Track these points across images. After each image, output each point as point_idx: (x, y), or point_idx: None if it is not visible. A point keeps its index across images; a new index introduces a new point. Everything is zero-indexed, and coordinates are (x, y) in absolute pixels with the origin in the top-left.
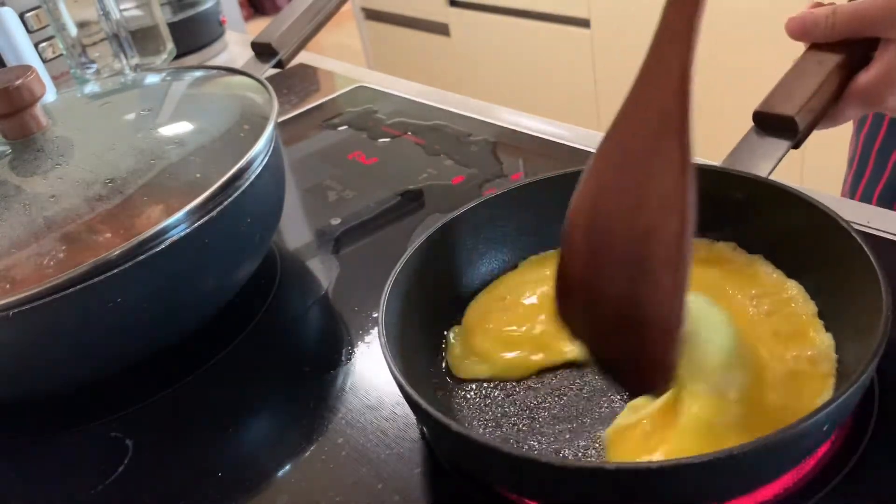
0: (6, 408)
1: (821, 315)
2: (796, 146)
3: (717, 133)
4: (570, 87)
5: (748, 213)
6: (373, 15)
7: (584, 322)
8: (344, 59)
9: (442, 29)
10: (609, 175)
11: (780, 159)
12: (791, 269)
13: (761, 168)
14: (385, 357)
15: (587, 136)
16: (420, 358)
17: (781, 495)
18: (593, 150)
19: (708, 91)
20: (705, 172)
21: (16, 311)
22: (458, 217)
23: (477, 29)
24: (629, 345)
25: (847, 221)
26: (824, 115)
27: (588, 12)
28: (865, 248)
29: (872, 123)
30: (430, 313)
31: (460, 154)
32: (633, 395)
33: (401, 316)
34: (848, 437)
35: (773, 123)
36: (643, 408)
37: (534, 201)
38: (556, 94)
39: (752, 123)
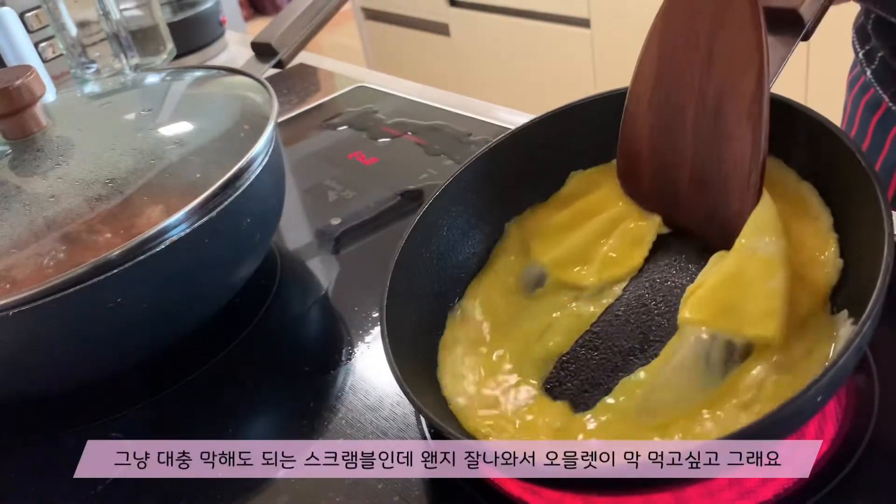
0: (6, 408)
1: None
2: (805, 38)
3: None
4: (570, 87)
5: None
6: (373, 15)
7: (657, 192)
8: (344, 59)
9: (442, 29)
10: (674, 37)
11: (788, 58)
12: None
13: (772, 68)
14: (388, 360)
15: None
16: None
17: (781, 495)
18: None
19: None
20: None
21: (16, 311)
22: (442, 191)
23: (477, 29)
24: (709, 204)
25: (861, 152)
26: (831, 2)
27: (588, 12)
28: (874, 181)
29: (870, 93)
30: (433, 296)
31: (460, 154)
32: (714, 250)
33: (404, 305)
34: (848, 437)
35: (777, 19)
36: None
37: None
38: (556, 94)
39: None
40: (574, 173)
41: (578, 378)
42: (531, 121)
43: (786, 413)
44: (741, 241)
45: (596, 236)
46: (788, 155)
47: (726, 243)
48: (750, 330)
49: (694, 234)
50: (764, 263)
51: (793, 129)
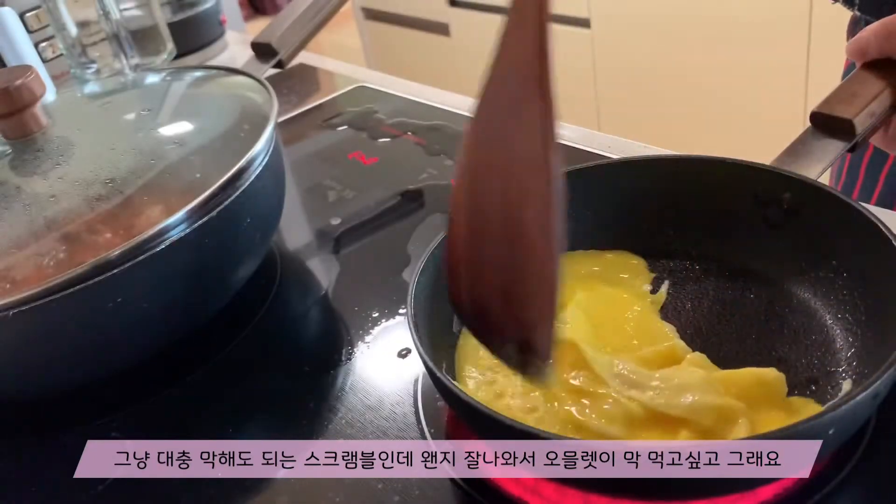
0: (6, 408)
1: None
2: (853, 150)
3: (771, 133)
4: (569, 87)
5: (794, 214)
6: (373, 15)
7: (469, 302)
8: (344, 59)
9: (442, 29)
10: (481, 145)
11: (833, 162)
12: (827, 272)
13: (812, 170)
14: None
15: (587, 136)
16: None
17: (781, 495)
18: (593, 150)
19: (761, 91)
20: (754, 171)
21: (16, 311)
22: None
23: (477, 29)
24: (511, 318)
25: (893, 234)
26: (883, 121)
27: (588, 12)
28: None
29: None
30: None
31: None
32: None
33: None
34: (852, 434)
35: (830, 125)
36: None
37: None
38: (557, 95)
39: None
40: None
41: None
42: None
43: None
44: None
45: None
46: (829, 244)
47: (529, 363)
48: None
49: (503, 351)
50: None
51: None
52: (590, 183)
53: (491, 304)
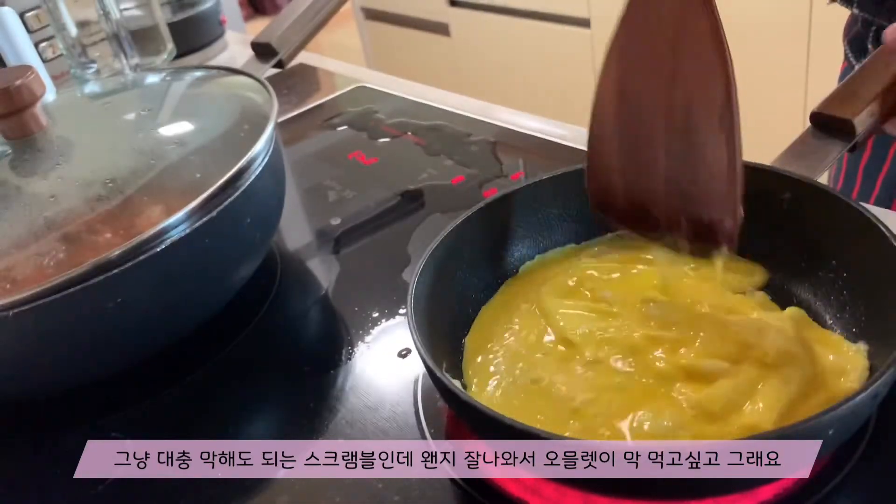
0: (6, 408)
1: (856, 326)
2: (853, 150)
3: (771, 133)
4: (570, 87)
5: (794, 214)
6: (373, 15)
7: (631, 208)
8: (344, 59)
9: (442, 29)
10: (633, 55)
11: (833, 161)
12: (826, 273)
13: (812, 170)
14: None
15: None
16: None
17: (781, 495)
18: None
19: (761, 91)
20: (754, 171)
21: (16, 311)
22: (507, 195)
23: (477, 29)
24: (688, 214)
25: (893, 234)
26: (886, 120)
27: (588, 12)
28: None
29: None
30: (459, 292)
31: (460, 154)
32: (696, 256)
33: (431, 290)
34: (853, 433)
35: (830, 125)
36: None
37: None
38: (556, 94)
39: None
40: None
41: None
42: None
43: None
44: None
45: None
46: (829, 244)
47: (704, 249)
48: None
49: (670, 240)
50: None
51: (834, 219)
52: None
53: (658, 201)
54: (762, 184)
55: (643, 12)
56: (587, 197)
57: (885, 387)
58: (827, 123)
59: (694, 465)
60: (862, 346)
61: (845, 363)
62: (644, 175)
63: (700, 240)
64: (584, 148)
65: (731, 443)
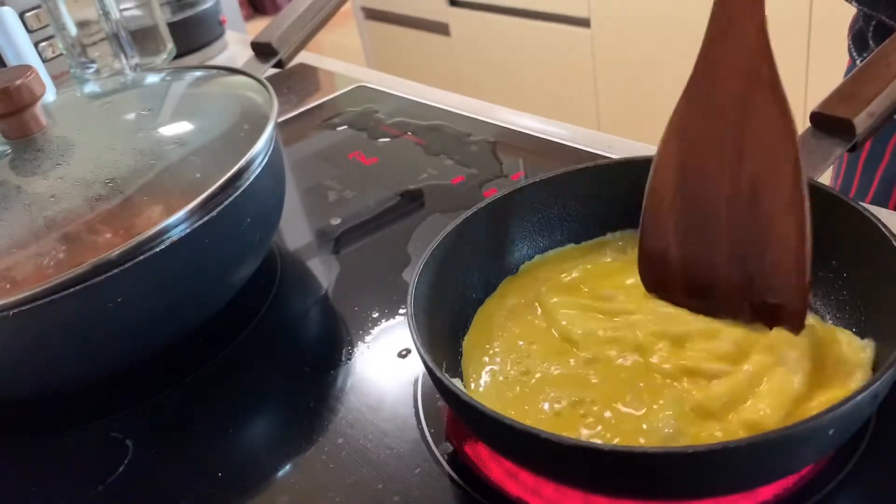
0: (6, 408)
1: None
2: (852, 149)
3: None
4: (570, 87)
5: None
6: (373, 15)
7: (688, 287)
8: (344, 59)
9: (442, 29)
10: (696, 132)
11: (833, 161)
12: (826, 273)
13: (812, 170)
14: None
15: (587, 136)
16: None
17: (781, 495)
18: (593, 150)
19: None
20: None
21: (16, 311)
22: (507, 195)
23: (477, 29)
24: (752, 295)
25: (893, 234)
26: (888, 119)
27: (588, 12)
28: None
29: None
30: (459, 291)
31: (460, 154)
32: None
33: (431, 289)
34: (853, 433)
35: (830, 125)
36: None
37: (580, 188)
38: (556, 94)
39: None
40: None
41: None
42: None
43: (789, 440)
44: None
45: None
46: (829, 244)
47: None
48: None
49: (727, 318)
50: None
51: (833, 219)
52: (590, 182)
53: (720, 283)
54: None
55: (707, 88)
56: (640, 261)
57: (886, 387)
58: (826, 123)
59: (692, 465)
60: (869, 343)
61: (853, 360)
62: (706, 256)
63: (763, 321)
64: (584, 147)
65: (730, 443)
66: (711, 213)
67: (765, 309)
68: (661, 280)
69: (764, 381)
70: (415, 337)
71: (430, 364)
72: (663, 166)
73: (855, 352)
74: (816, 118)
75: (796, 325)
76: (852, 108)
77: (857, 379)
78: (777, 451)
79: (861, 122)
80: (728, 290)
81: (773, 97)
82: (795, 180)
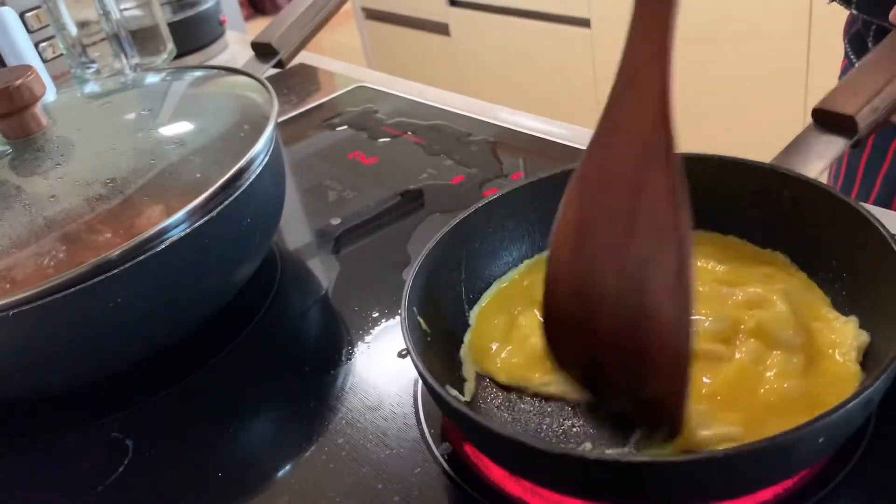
0: (6, 408)
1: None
2: (855, 146)
3: (771, 132)
4: (570, 87)
5: (793, 213)
6: (373, 15)
7: (576, 358)
8: (344, 59)
9: (442, 29)
10: (592, 205)
11: (835, 159)
12: (826, 273)
13: (813, 167)
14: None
15: (587, 136)
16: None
17: (782, 495)
18: None
19: (762, 91)
20: (753, 169)
21: (16, 311)
22: (504, 195)
23: (477, 29)
24: (633, 381)
25: (892, 235)
26: (891, 114)
27: (588, 12)
28: None
29: None
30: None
31: (460, 154)
32: (641, 433)
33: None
34: (848, 437)
35: (832, 122)
36: None
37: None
38: (556, 94)
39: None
40: None
41: None
42: None
43: (778, 449)
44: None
45: None
46: (829, 244)
47: (650, 420)
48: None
49: (616, 407)
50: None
51: (825, 212)
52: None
53: (608, 369)
54: (762, 182)
55: (606, 151)
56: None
57: (879, 394)
58: (828, 120)
59: (680, 475)
60: (853, 319)
61: (838, 336)
62: (592, 332)
63: (643, 416)
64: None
65: (718, 452)
66: (601, 287)
67: (646, 401)
68: (558, 351)
69: (767, 362)
70: (408, 342)
71: (425, 373)
72: (563, 226)
73: (839, 329)
74: (818, 115)
75: (674, 426)
76: (854, 104)
77: (843, 354)
78: (766, 460)
79: (863, 118)
80: (612, 374)
81: (664, 176)
82: (680, 268)
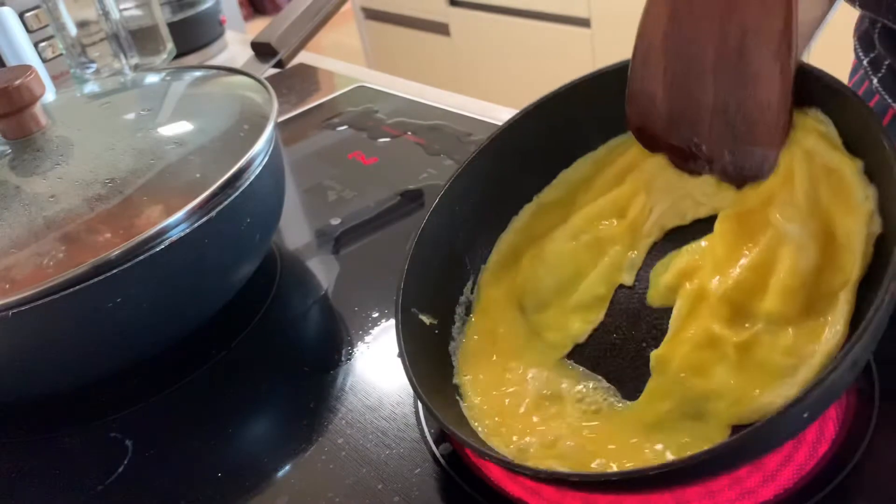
0: (6, 408)
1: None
2: None
3: None
4: None
5: None
6: (373, 15)
7: (674, 134)
8: (344, 59)
9: (442, 29)
10: None
11: (827, 19)
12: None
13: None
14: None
15: None
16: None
17: (781, 495)
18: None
19: None
20: None
21: (16, 311)
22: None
23: (477, 29)
24: (733, 146)
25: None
26: None
27: (588, 12)
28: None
29: (875, 100)
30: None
31: (460, 154)
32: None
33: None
34: (848, 437)
35: None
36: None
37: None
38: None
39: None
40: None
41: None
42: (535, 104)
43: (768, 430)
44: (768, 230)
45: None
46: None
47: (744, 181)
48: (767, 304)
49: (712, 172)
50: (790, 248)
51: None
52: (579, 99)
53: (702, 130)
54: None
55: None
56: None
57: (863, 354)
58: None
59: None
60: (871, 193)
61: (852, 227)
62: (691, 102)
63: (741, 172)
64: None
65: (705, 452)
66: (699, 60)
67: (745, 159)
68: (645, 124)
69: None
70: (402, 350)
71: (418, 387)
72: (654, 9)
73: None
74: None
75: (768, 166)
76: None
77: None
78: (753, 444)
79: None
80: (710, 139)
81: None
82: (785, 29)
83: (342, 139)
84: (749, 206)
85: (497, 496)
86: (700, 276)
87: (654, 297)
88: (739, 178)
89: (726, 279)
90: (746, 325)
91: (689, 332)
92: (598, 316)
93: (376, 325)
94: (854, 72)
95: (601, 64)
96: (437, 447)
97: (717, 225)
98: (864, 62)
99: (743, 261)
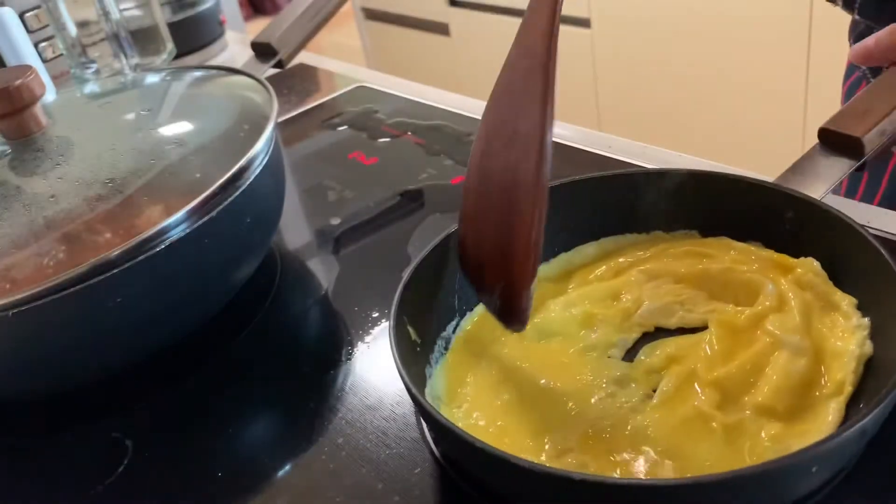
0: (6, 408)
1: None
2: (860, 169)
3: (771, 133)
4: (570, 87)
5: (795, 231)
6: (373, 15)
7: (472, 257)
8: (344, 59)
9: (442, 29)
10: (492, 117)
11: (839, 180)
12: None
13: (817, 188)
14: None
15: (587, 136)
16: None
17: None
18: (593, 150)
19: (761, 91)
20: (755, 187)
21: (16, 311)
22: None
23: (477, 29)
24: (497, 276)
25: (893, 259)
26: (895, 140)
27: (588, 12)
28: None
29: None
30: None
31: (460, 154)
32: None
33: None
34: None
35: (838, 142)
36: None
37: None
38: (557, 94)
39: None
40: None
41: None
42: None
43: (775, 473)
44: (767, 338)
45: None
46: (833, 265)
47: (503, 317)
48: (758, 397)
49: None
50: (785, 353)
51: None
52: (589, 191)
53: (486, 260)
54: (765, 201)
55: (505, 77)
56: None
57: (875, 425)
58: (834, 141)
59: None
60: (865, 322)
61: (844, 348)
62: (482, 232)
63: (503, 315)
64: (584, 147)
65: (714, 475)
66: (489, 194)
67: (506, 301)
68: (461, 254)
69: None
70: (396, 355)
71: (412, 387)
72: (472, 152)
73: (846, 340)
74: (825, 135)
75: (519, 321)
76: (862, 126)
77: (845, 365)
78: (756, 485)
79: (870, 140)
80: (488, 273)
81: (541, 81)
82: (536, 171)
83: (342, 139)
84: (741, 325)
85: (497, 497)
86: (688, 363)
87: (637, 374)
88: (504, 317)
89: (718, 368)
90: (735, 411)
91: (677, 406)
92: None
93: (376, 325)
94: (849, 73)
95: (601, 64)
96: (437, 447)
97: (710, 326)
98: (860, 68)
99: (736, 361)
